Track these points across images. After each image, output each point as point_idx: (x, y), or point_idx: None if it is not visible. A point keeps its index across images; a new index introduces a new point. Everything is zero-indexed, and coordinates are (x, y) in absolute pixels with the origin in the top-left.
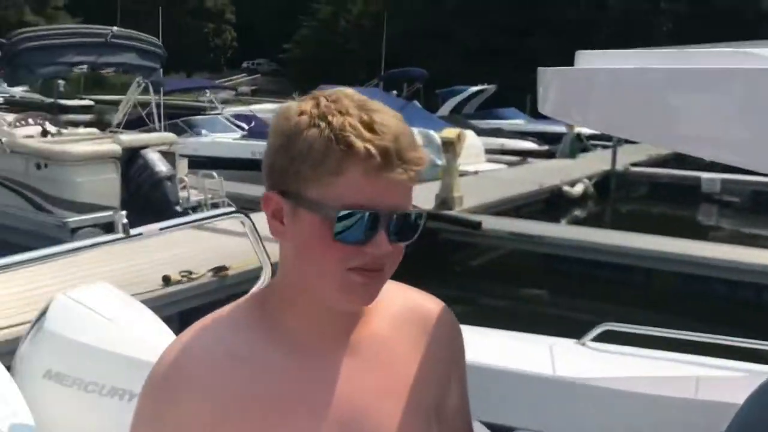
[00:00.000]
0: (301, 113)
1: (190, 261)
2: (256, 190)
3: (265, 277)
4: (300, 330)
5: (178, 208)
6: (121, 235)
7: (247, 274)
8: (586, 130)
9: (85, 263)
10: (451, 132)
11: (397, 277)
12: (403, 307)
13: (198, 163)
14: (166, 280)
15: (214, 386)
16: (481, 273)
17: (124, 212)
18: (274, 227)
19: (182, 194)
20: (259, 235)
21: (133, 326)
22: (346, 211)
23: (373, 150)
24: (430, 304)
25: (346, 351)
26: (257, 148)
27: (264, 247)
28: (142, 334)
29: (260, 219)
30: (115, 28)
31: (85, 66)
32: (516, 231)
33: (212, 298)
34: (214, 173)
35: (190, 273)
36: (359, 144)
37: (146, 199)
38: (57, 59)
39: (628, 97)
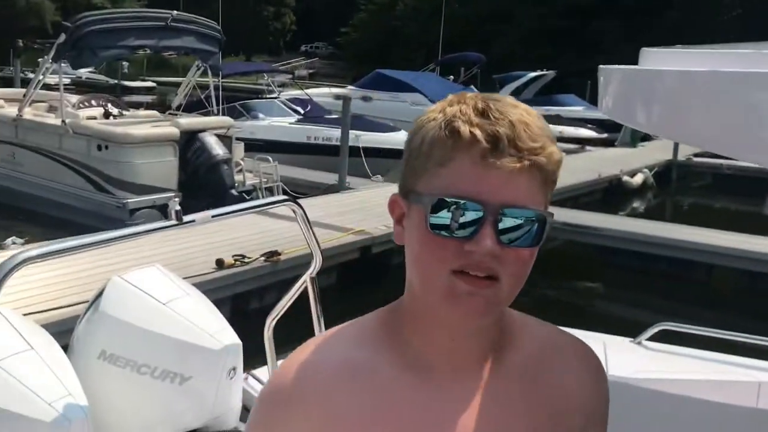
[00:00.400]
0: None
1: (244, 245)
2: (310, 175)
3: (315, 265)
4: (427, 351)
5: (234, 192)
6: (174, 221)
7: (299, 259)
8: None
9: (138, 245)
10: None
11: None
12: (545, 342)
13: (254, 146)
14: (219, 264)
15: (329, 398)
16: (536, 264)
17: (177, 199)
18: (396, 232)
19: (238, 178)
20: (309, 223)
21: (185, 310)
22: (443, 198)
23: (479, 134)
24: (575, 344)
25: (480, 382)
26: (312, 132)
27: (314, 235)
28: (193, 318)
29: (309, 206)
30: (175, 12)
31: (146, 49)
32: (572, 222)
33: (264, 283)
34: (270, 157)
35: (243, 257)
36: (465, 128)
37: (202, 182)
38: (119, 42)
39: (699, 102)
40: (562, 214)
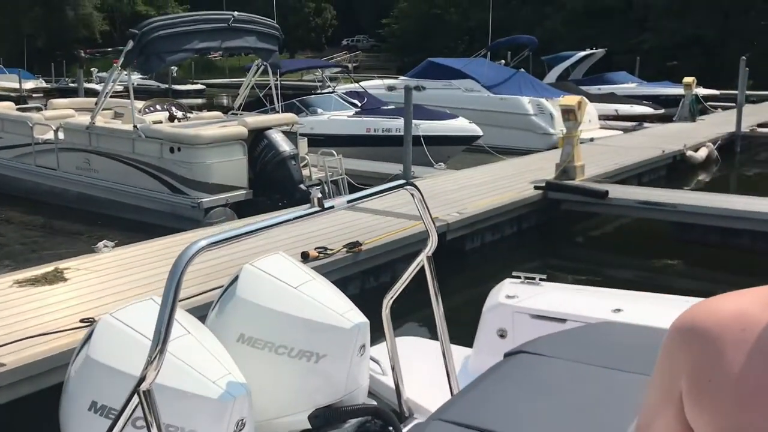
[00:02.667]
0: None
1: (324, 238)
2: (374, 166)
3: (431, 245)
4: None
5: (303, 186)
6: (317, 208)
7: (380, 249)
8: (704, 91)
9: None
10: (571, 99)
11: (518, 251)
12: None
13: (315, 141)
14: (305, 257)
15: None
16: (606, 244)
17: (319, 187)
18: None
19: (304, 172)
20: (426, 204)
21: (315, 293)
22: None
23: None
24: None
25: None
26: (371, 123)
27: (431, 215)
28: (322, 299)
29: (378, 196)
30: (236, 13)
31: (211, 51)
32: (645, 199)
33: (347, 273)
34: (333, 151)
35: (326, 249)
36: None
37: (271, 179)
38: (184, 46)
39: None
40: (634, 192)
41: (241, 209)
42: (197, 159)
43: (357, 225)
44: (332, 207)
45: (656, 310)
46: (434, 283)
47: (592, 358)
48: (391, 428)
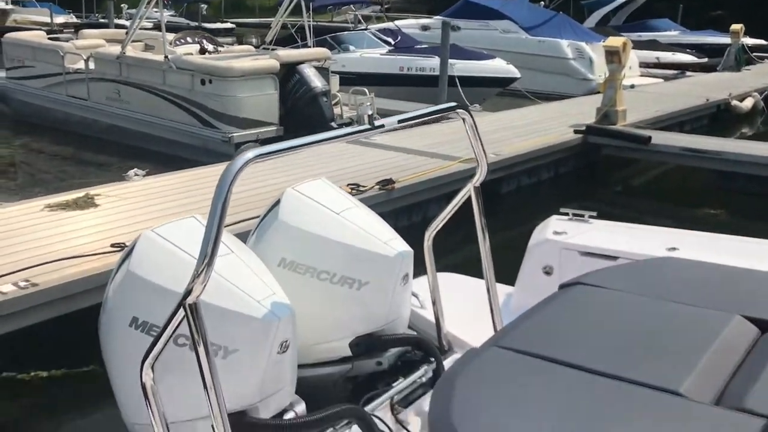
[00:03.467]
0: None
1: (357, 174)
2: (406, 106)
3: (480, 175)
4: None
5: (334, 125)
6: (367, 125)
7: (413, 188)
8: (750, 41)
9: (254, 174)
10: (616, 41)
11: (555, 196)
12: None
13: (346, 79)
14: None
15: None
16: (646, 192)
17: (369, 103)
18: None
19: (335, 111)
20: (477, 131)
21: (358, 219)
22: None
23: None
24: None
25: None
26: (405, 62)
27: (482, 143)
28: (366, 226)
29: (410, 135)
30: None
31: None
32: (688, 146)
33: (379, 211)
34: (365, 89)
35: (358, 186)
36: None
37: (302, 115)
38: None
39: None
40: (677, 139)
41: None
42: (229, 92)
43: (390, 163)
44: (382, 126)
45: (712, 249)
46: (481, 216)
47: (653, 291)
48: (432, 359)
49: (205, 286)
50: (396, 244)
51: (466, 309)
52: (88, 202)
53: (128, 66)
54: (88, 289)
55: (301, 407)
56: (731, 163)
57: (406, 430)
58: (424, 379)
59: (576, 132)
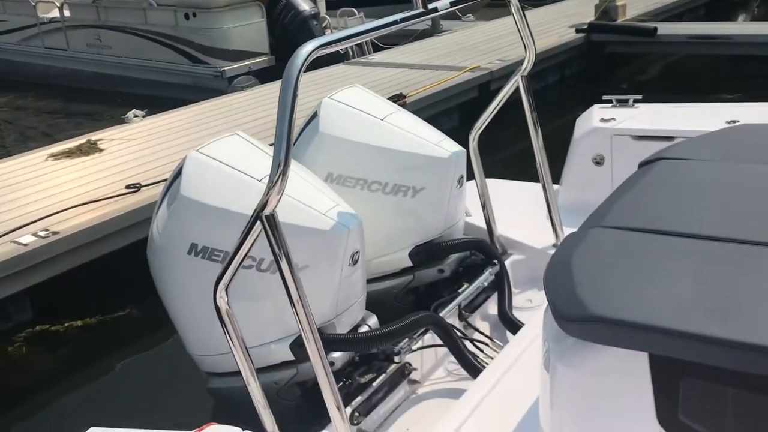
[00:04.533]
0: None
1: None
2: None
3: (528, 63)
4: None
5: None
6: (420, 9)
7: (424, 101)
8: None
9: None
10: None
11: (561, 98)
12: None
13: (331, 4)
14: None
15: None
16: (656, 86)
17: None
18: None
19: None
20: (524, 15)
21: (403, 123)
22: None
23: None
24: None
25: None
26: None
27: (529, 28)
28: (413, 130)
29: (409, 51)
30: None
31: None
32: (697, 33)
33: None
34: (355, 10)
35: None
36: None
37: (293, 42)
38: None
39: None
40: (683, 28)
41: (264, 77)
42: (215, 24)
43: (399, 78)
44: (435, 9)
45: None
46: (532, 109)
47: (739, 157)
48: (495, 262)
49: (281, 195)
50: (448, 145)
51: (515, 211)
52: (92, 148)
53: (106, 9)
54: (111, 233)
55: (373, 320)
56: (742, 46)
57: (479, 332)
58: (486, 283)
59: (578, 31)
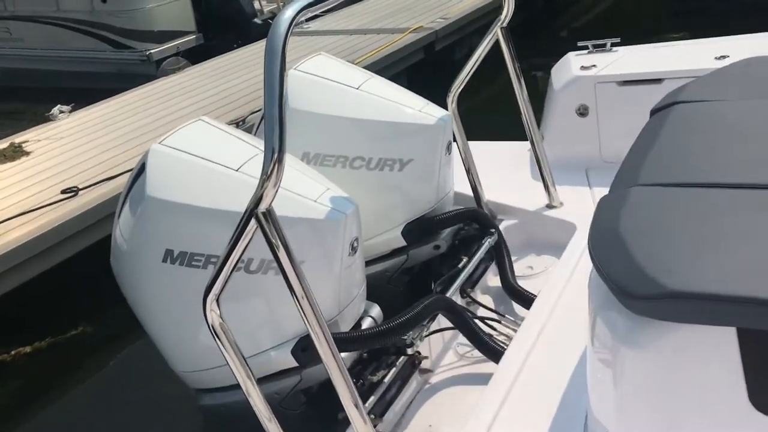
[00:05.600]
0: None
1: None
2: None
3: (507, 13)
4: None
5: (258, 20)
6: None
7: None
8: None
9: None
10: None
11: (499, 54)
12: None
13: None
14: None
15: None
16: (597, 33)
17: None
18: None
19: (255, 5)
20: None
21: (380, 91)
22: None
23: None
24: None
25: None
26: None
27: None
28: (393, 96)
29: (350, 14)
30: None
31: None
32: None
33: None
34: None
35: None
36: None
37: (221, 17)
38: None
39: None
40: None
41: (194, 56)
42: (135, 5)
43: (341, 45)
44: None
45: (764, 47)
46: (514, 60)
47: (757, 92)
48: (492, 231)
49: (278, 188)
50: (432, 110)
51: (496, 174)
52: (18, 151)
53: None
54: (51, 245)
55: (376, 311)
56: None
57: (485, 308)
58: (482, 253)
59: None
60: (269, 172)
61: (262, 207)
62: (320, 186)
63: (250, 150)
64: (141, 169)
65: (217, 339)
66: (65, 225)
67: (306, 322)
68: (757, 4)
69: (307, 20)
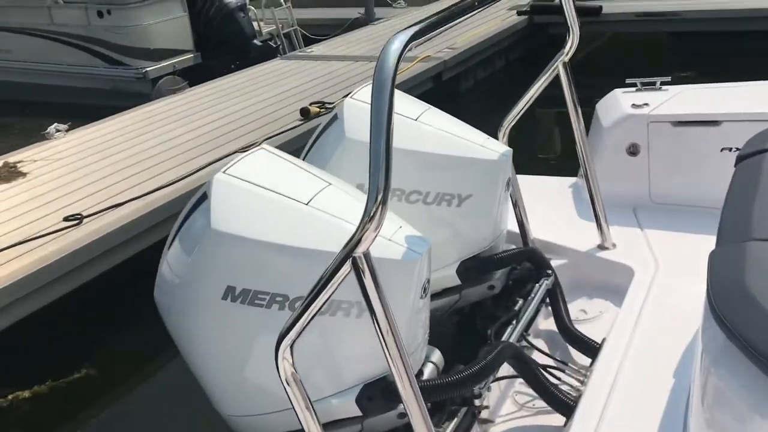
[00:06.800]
0: None
1: (317, 91)
2: (328, 13)
3: (571, 46)
4: None
5: (257, 42)
6: None
7: None
8: None
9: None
10: None
11: (509, 85)
12: None
13: None
14: (305, 113)
15: None
16: (602, 68)
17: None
18: None
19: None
20: None
21: (439, 124)
22: None
23: None
24: None
25: None
26: None
27: (573, 7)
28: (453, 130)
29: (347, 42)
30: None
31: None
32: (643, 11)
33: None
34: (281, 0)
35: (324, 103)
36: None
37: (219, 36)
38: None
39: None
40: (628, 6)
41: (191, 76)
42: (133, 21)
43: (344, 73)
44: None
45: None
46: (573, 96)
47: None
48: (549, 272)
49: (379, 231)
50: (494, 145)
51: (543, 210)
52: (12, 173)
53: (4, 9)
54: (54, 279)
55: (437, 356)
56: (690, 22)
57: (543, 353)
58: (539, 296)
59: (519, 13)
60: (372, 214)
61: (360, 250)
62: (393, 223)
63: (318, 183)
64: (201, 198)
65: (286, 386)
66: (70, 257)
67: (392, 367)
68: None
69: (306, 44)
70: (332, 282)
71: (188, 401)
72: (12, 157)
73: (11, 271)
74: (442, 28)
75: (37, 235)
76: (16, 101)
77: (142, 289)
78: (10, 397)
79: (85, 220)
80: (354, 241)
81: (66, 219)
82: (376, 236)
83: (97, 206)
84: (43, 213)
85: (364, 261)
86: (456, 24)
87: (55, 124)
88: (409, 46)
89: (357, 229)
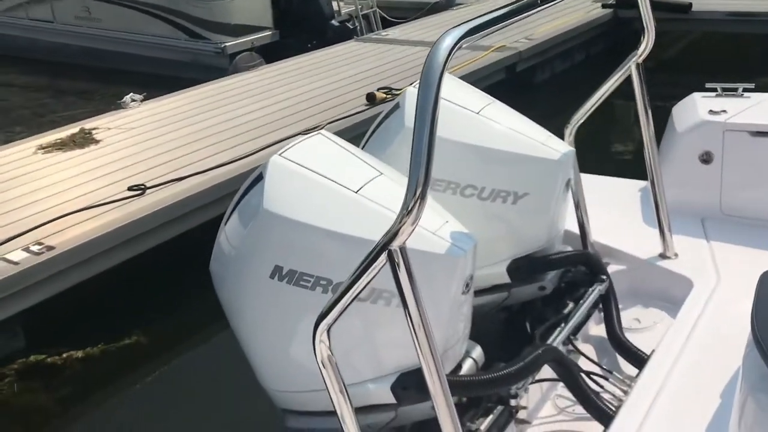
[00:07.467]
0: None
1: (385, 77)
2: None
3: (646, 47)
4: None
5: (334, 22)
6: None
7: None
8: None
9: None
10: None
11: (588, 80)
12: None
13: None
14: (371, 99)
15: None
16: (688, 67)
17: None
18: None
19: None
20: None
21: (502, 118)
22: None
23: None
24: None
25: None
26: None
27: (649, 8)
28: (515, 125)
29: (424, 27)
30: None
31: None
32: (736, 10)
33: None
34: None
35: (391, 89)
36: None
37: (298, 15)
38: None
39: None
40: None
41: (268, 53)
42: None
43: (418, 58)
44: None
45: None
46: (644, 99)
47: None
48: (603, 277)
49: (416, 225)
50: (556, 144)
51: (606, 213)
52: (86, 139)
53: None
54: (112, 246)
55: (477, 352)
56: None
57: (589, 359)
58: (591, 301)
59: (604, 6)
60: (410, 208)
61: (397, 243)
62: (439, 218)
63: (370, 171)
64: (258, 178)
65: (322, 367)
66: (129, 226)
67: (422, 361)
68: None
69: (384, 26)
70: (368, 272)
71: (233, 374)
72: (88, 124)
73: (74, 235)
74: (499, 25)
75: (102, 202)
76: (101, 68)
77: (194, 263)
78: (64, 355)
79: (147, 191)
80: (390, 234)
81: (130, 188)
82: (413, 230)
83: (160, 178)
84: (109, 180)
85: (399, 254)
86: (515, 21)
87: (131, 93)
88: (463, 42)
89: (394, 222)
